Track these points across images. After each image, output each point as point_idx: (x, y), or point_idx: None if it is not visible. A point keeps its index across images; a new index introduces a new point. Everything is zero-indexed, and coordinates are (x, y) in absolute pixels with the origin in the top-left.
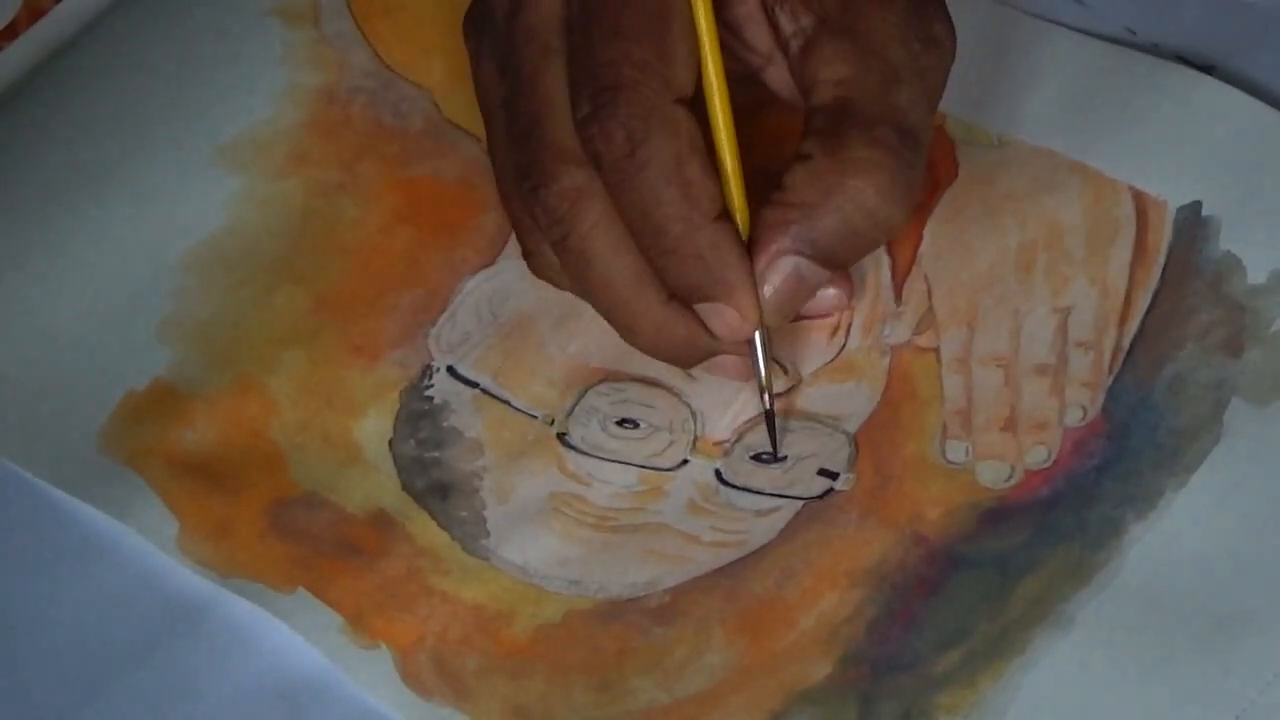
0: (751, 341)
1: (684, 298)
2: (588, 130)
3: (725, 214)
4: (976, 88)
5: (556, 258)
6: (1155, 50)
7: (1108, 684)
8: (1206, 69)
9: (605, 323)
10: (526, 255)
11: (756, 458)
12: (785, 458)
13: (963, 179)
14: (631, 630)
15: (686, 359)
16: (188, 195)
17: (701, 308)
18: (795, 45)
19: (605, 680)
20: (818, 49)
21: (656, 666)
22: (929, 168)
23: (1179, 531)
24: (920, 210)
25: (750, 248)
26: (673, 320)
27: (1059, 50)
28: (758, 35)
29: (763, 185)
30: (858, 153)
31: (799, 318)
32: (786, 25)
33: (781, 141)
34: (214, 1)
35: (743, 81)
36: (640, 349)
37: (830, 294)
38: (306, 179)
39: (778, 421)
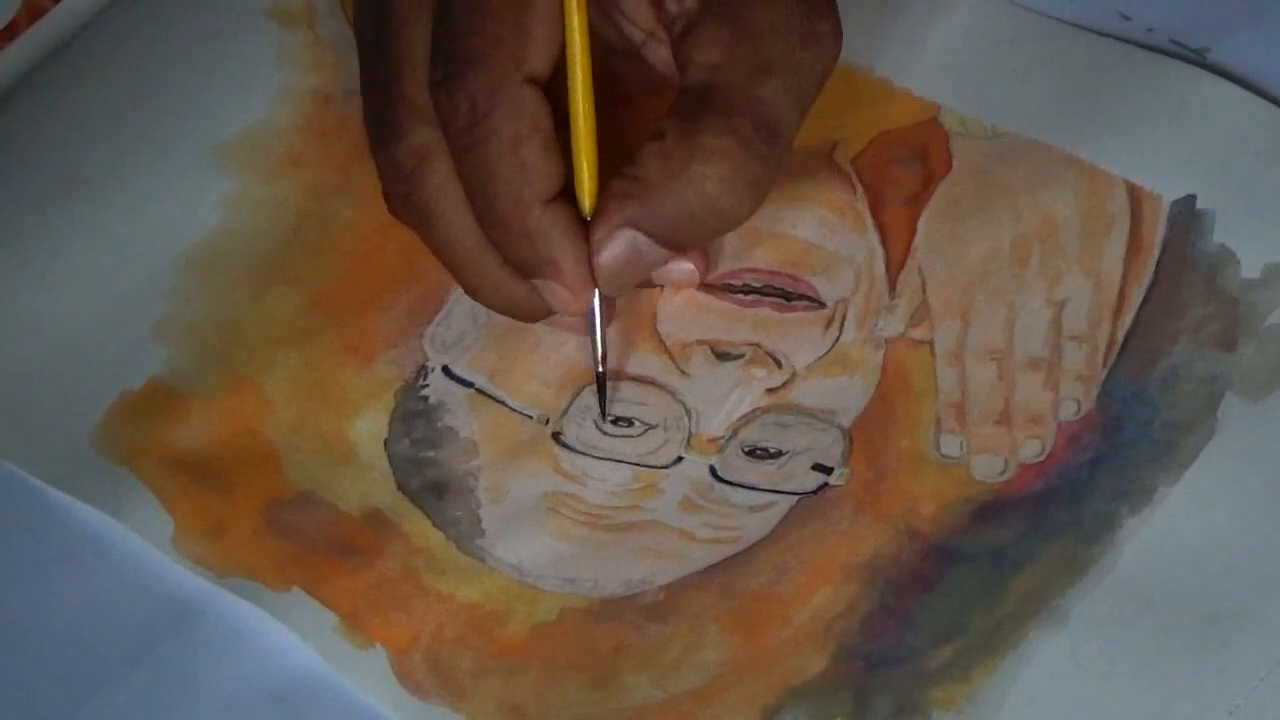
0: (590, 310)
1: (516, 270)
2: (438, 95)
3: (561, 196)
4: (971, 80)
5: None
6: (1149, 34)
7: (1102, 679)
8: (1201, 51)
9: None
10: (385, 197)
11: (751, 453)
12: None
13: (957, 171)
14: (626, 628)
15: (527, 317)
16: (183, 196)
17: (534, 281)
18: (678, 26)
19: (600, 678)
20: (697, 31)
21: (651, 663)
22: (924, 159)
23: (1173, 526)
24: (914, 202)
25: (594, 214)
26: (509, 283)
27: (1054, 44)
28: (639, 10)
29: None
30: (708, 140)
31: (649, 284)
32: (671, 5)
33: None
34: (210, 3)
35: (622, 56)
36: (483, 305)
37: (683, 268)
38: (301, 180)
39: (771, 416)
